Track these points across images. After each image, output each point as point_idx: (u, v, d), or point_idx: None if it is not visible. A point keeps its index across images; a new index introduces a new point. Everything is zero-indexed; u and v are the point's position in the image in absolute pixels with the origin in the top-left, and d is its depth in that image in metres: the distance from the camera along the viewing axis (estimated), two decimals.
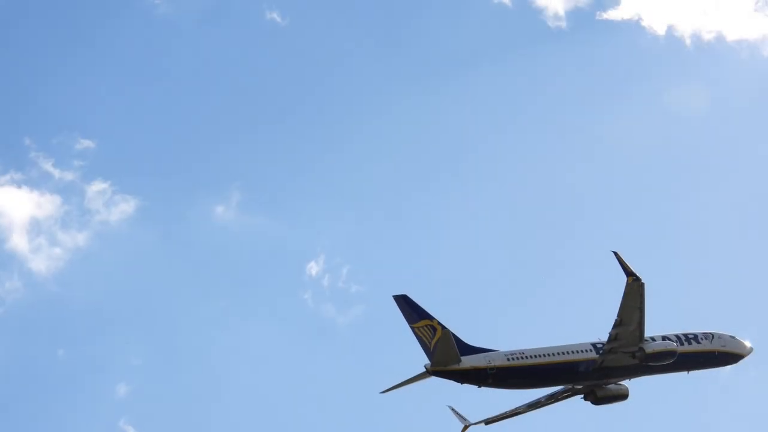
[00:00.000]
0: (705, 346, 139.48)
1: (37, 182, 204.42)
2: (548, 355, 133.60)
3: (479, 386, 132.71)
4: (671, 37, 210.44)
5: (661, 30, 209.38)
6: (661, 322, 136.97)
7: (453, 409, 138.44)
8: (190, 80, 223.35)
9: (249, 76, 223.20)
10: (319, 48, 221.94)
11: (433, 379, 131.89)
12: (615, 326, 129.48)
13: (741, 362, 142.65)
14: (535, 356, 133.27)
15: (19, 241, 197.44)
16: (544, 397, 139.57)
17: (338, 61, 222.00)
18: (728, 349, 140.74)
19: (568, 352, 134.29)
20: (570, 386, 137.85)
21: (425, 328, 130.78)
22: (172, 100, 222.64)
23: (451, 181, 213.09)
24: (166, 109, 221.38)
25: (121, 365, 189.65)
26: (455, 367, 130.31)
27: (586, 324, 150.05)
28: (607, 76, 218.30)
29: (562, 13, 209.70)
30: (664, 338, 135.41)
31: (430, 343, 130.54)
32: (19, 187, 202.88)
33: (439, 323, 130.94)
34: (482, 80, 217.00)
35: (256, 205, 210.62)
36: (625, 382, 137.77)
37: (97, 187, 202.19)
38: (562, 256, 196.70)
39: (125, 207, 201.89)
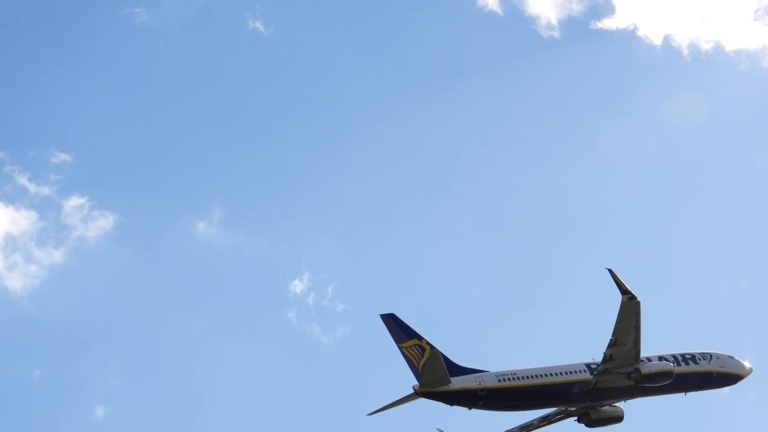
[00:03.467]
0: (703, 366, 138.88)
1: (12, 197, 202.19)
2: (541, 376, 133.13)
3: (469, 408, 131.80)
4: (668, 47, 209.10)
5: (657, 40, 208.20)
6: (657, 342, 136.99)
7: None
8: (171, 92, 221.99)
9: (232, 88, 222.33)
10: (304, 58, 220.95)
11: (422, 401, 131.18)
12: (610, 346, 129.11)
13: (740, 383, 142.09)
14: (528, 377, 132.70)
15: None
16: (536, 419, 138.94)
17: (323, 72, 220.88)
18: (727, 369, 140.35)
19: (561, 373, 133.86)
20: (563, 408, 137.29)
21: (413, 348, 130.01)
22: (152, 113, 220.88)
23: (440, 196, 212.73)
24: (146, 121, 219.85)
25: (99, 386, 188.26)
26: (444, 388, 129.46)
27: (580, 344, 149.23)
28: (602, 87, 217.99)
29: (555, 22, 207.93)
30: (660, 358, 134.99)
31: (418, 363, 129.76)
32: None
33: (427, 343, 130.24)
34: (473, 91, 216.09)
35: (239, 222, 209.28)
36: (621, 404, 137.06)
37: (74, 202, 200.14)
38: (556, 272, 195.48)
39: (103, 223, 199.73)
